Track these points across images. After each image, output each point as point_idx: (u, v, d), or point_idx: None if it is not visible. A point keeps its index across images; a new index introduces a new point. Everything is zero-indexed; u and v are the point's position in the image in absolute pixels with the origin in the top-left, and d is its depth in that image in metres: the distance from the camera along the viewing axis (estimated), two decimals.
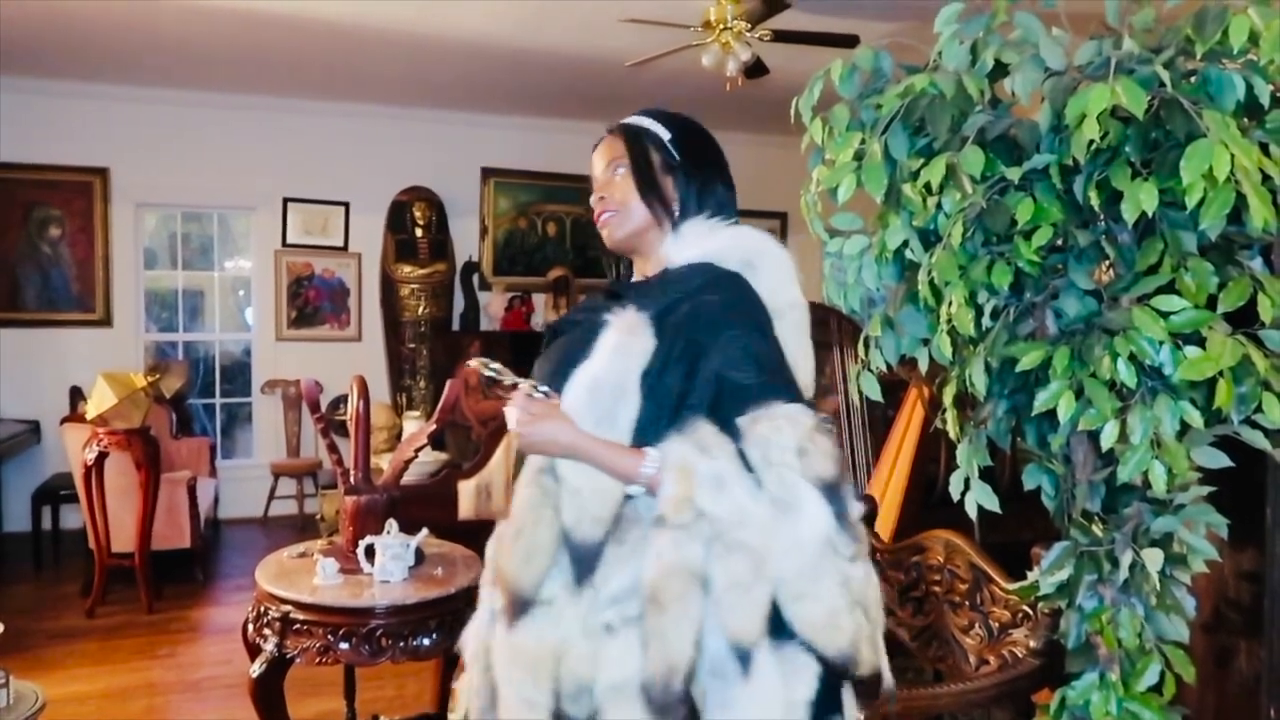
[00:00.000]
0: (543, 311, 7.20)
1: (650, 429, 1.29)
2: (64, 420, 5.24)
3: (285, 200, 6.61)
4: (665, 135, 1.54)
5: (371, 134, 6.59)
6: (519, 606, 1.29)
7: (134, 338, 6.42)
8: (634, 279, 1.55)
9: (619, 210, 1.49)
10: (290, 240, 6.65)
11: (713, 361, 1.30)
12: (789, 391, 1.31)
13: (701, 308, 1.34)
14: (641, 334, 1.32)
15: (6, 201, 6.07)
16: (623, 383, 1.30)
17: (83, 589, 4.81)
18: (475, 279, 7.01)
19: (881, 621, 1.29)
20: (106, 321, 6.31)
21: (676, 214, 1.48)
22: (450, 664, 2.64)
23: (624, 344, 1.32)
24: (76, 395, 5.75)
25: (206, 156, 6.40)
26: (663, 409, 1.30)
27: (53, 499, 5.62)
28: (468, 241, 7.03)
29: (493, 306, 7.01)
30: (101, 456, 4.56)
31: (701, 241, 1.45)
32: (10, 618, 2.93)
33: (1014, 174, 1.29)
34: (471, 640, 1.45)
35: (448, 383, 2.88)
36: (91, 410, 4.53)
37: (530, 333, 7.03)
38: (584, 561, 1.27)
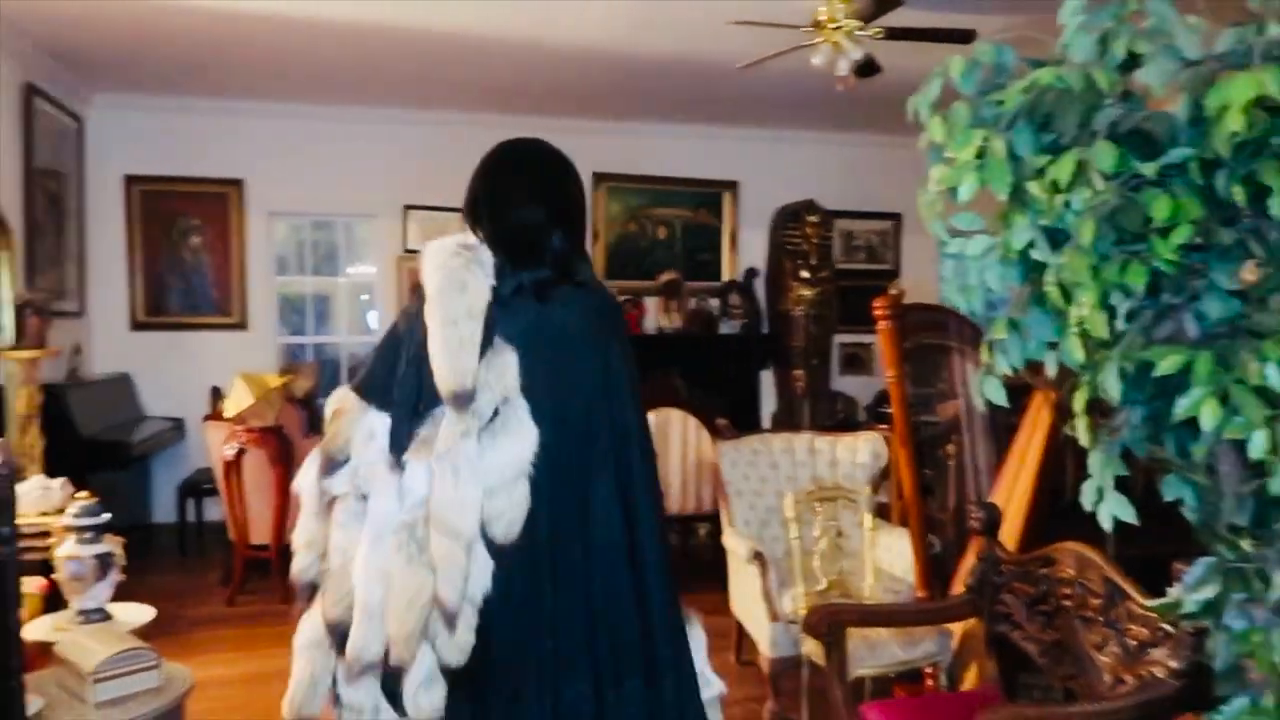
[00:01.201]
0: (654, 315, 7.23)
1: None
2: (205, 418, 5.57)
3: (405, 208, 6.85)
4: None
5: (488, 142, 6.71)
6: None
7: (268, 340, 6.77)
8: None
9: None
10: (410, 246, 6.88)
11: None
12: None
13: None
14: None
15: (152, 213, 6.48)
16: None
17: (223, 578, 5.10)
18: None
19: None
20: (243, 325, 6.66)
21: None
22: None
23: None
24: (216, 395, 6.09)
25: (332, 167, 6.69)
26: None
27: (196, 492, 5.98)
28: None
29: None
30: (240, 453, 4.82)
31: None
32: (159, 603, 3.13)
33: (1149, 169, 1.22)
34: None
35: None
36: (230, 409, 4.80)
37: (641, 336, 7.08)
38: None
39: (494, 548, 1.48)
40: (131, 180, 6.41)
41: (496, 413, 1.49)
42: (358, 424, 1.56)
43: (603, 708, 1.49)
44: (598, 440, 1.56)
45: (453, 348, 1.48)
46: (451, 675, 1.48)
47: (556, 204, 1.67)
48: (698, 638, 1.69)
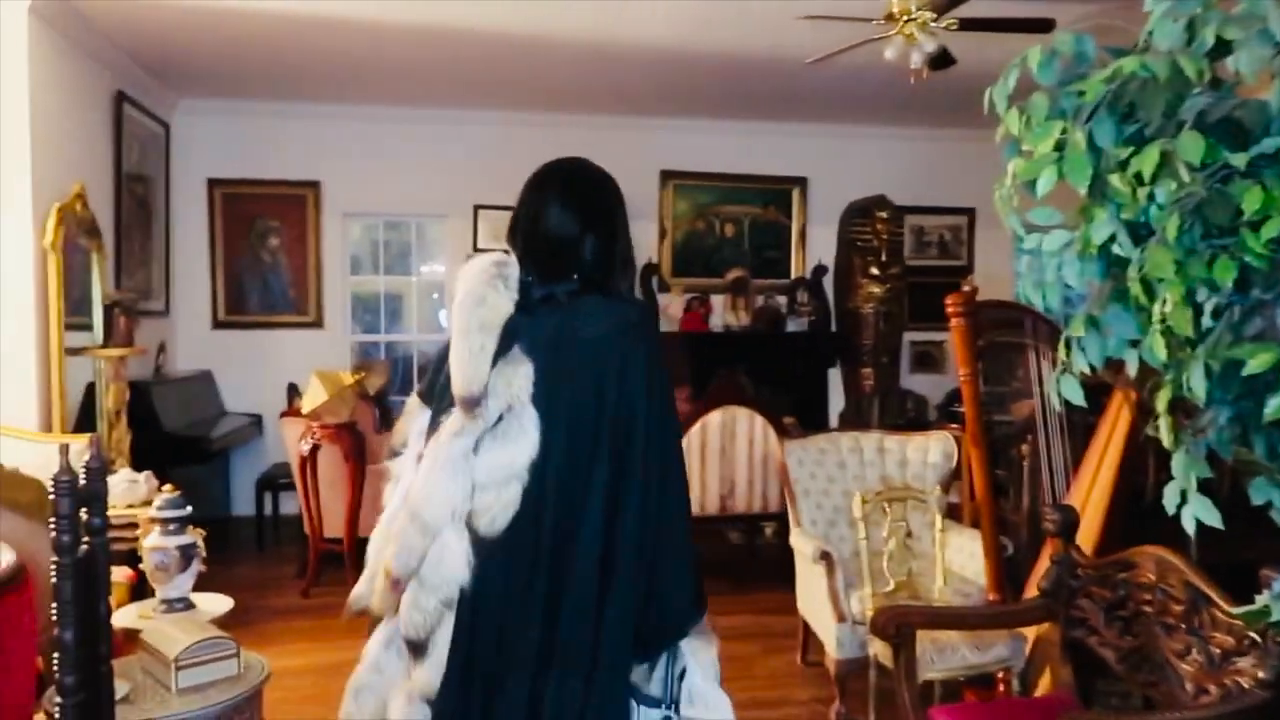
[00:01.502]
0: (721, 312, 7.21)
1: None
2: (282, 414, 5.73)
3: (475, 207, 6.95)
4: None
5: (555, 141, 6.74)
6: None
7: (342, 338, 6.94)
8: None
9: None
10: (480, 245, 6.97)
11: None
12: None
13: None
14: None
15: (233, 215, 6.70)
16: None
17: (299, 570, 5.24)
18: (654, 281, 7.11)
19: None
20: (318, 323, 6.84)
21: None
22: None
23: None
24: (293, 391, 6.26)
25: (405, 168, 6.82)
26: None
27: (273, 486, 6.15)
28: (647, 244, 7.15)
29: (671, 308, 7.09)
30: (315, 448, 4.94)
31: None
32: (238, 593, 3.23)
33: (1239, 160, 1.17)
34: None
35: None
36: (306, 405, 4.92)
37: (708, 333, 7.06)
38: None
39: (477, 540, 1.59)
40: (214, 183, 6.63)
41: (501, 418, 1.59)
42: (414, 422, 1.75)
43: (584, 704, 1.56)
44: (602, 449, 1.60)
45: (464, 356, 1.60)
46: (410, 645, 1.64)
47: (588, 216, 1.72)
48: (707, 659, 1.67)
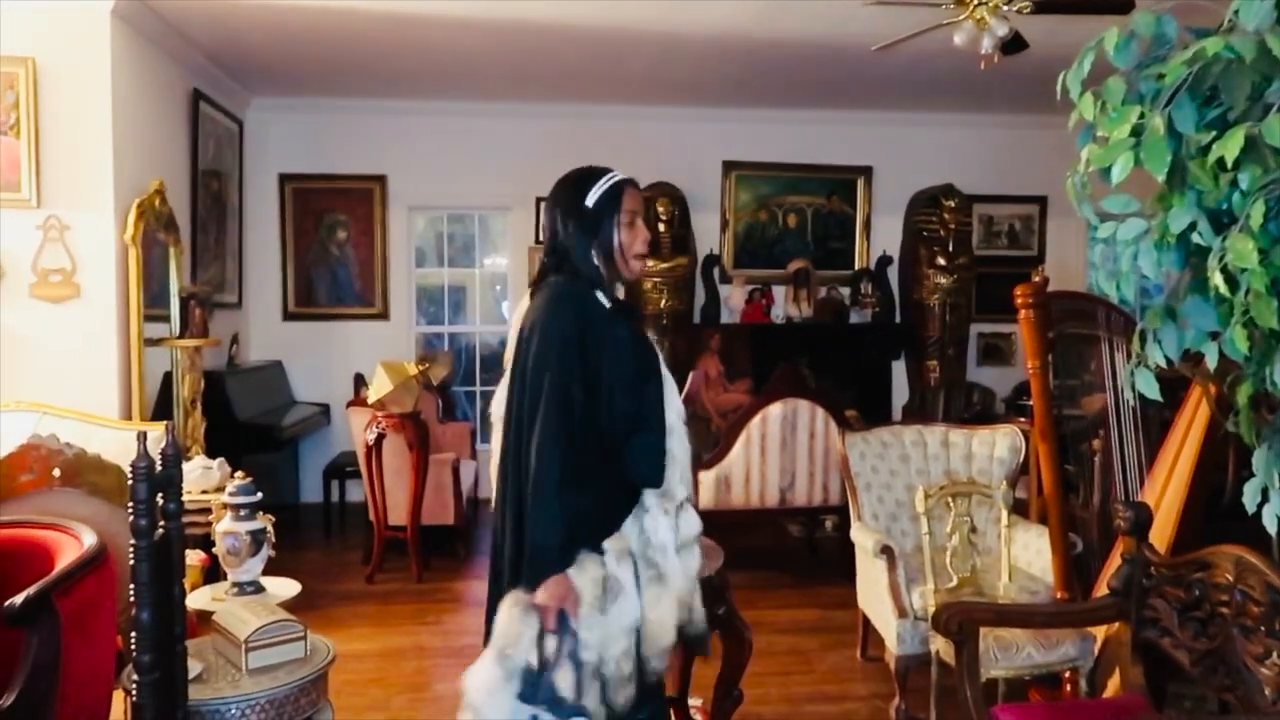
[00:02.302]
0: (783, 304, 7.15)
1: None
2: (349, 404, 5.85)
3: (538, 200, 6.99)
4: None
5: (616, 133, 6.81)
6: None
7: (407, 330, 7.05)
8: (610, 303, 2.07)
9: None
10: (542, 238, 7.02)
11: None
12: None
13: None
14: None
15: (303, 209, 6.85)
16: None
17: (363, 557, 5.35)
18: (716, 272, 7.08)
19: None
20: (384, 315, 6.97)
21: None
22: (690, 650, 2.69)
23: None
24: (359, 381, 6.38)
25: (468, 161, 6.89)
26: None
27: (339, 474, 6.29)
28: (709, 235, 7.12)
29: (733, 299, 7.05)
30: (380, 437, 5.04)
31: None
32: (305, 578, 3.30)
33: None
34: None
35: (689, 375, 2.93)
36: (372, 395, 5.02)
37: (770, 325, 7.01)
38: None
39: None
40: (285, 178, 6.79)
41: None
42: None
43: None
44: (525, 402, 1.99)
45: (510, 336, 2.18)
46: None
47: (557, 208, 2.12)
48: (522, 617, 1.93)
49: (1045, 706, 2.82)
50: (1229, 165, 1.17)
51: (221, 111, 6.07)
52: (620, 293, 2.14)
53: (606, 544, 1.92)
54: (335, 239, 6.93)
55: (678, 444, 2.01)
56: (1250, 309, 1.18)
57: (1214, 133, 1.20)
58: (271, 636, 2.47)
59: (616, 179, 2.12)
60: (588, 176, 2.14)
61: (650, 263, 6.81)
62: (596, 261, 2.07)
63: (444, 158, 6.89)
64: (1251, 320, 1.20)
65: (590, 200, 2.09)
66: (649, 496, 1.97)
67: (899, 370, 7.34)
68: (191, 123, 5.57)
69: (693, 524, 2.02)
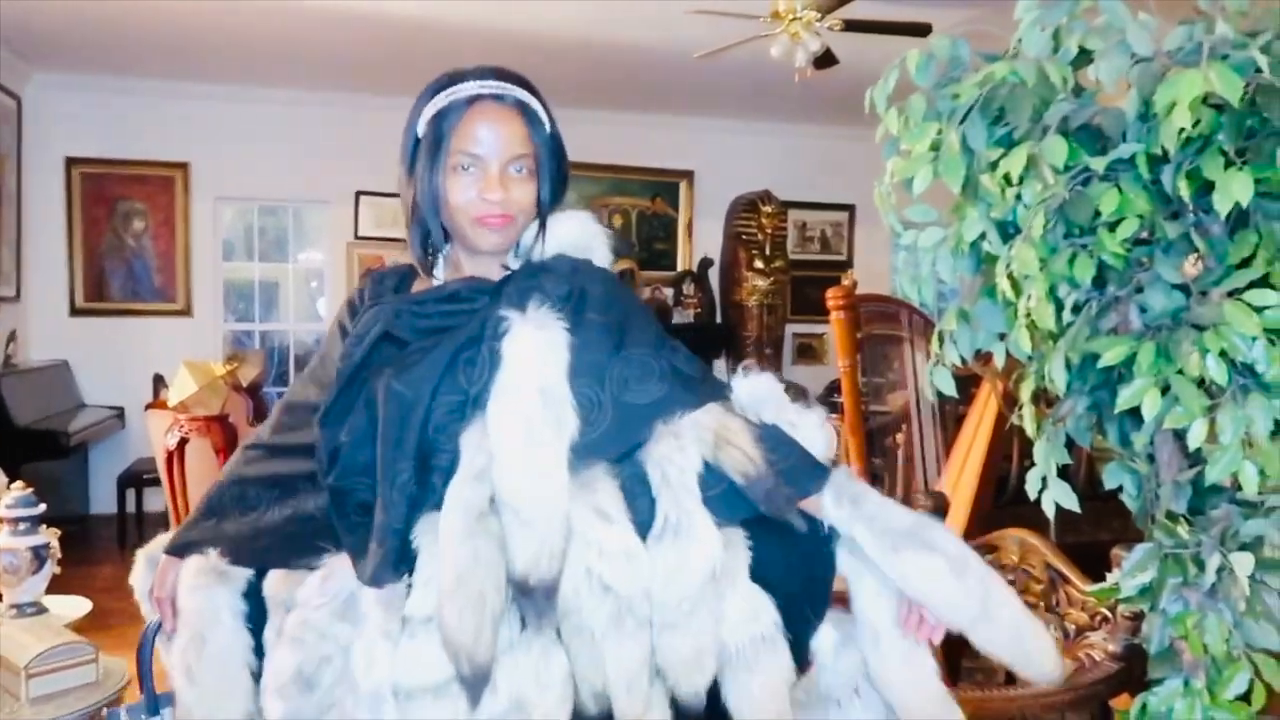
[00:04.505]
0: None
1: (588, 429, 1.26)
2: (147, 407, 5.44)
3: (358, 194, 6.74)
4: (546, 119, 1.43)
5: None
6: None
7: (213, 327, 6.63)
8: (463, 276, 1.42)
9: (519, 214, 1.40)
10: (362, 233, 6.78)
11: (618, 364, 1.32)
12: (694, 392, 1.34)
13: (594, 299, 1.34)
14: (557, 330, 1.27)
15: (94, 196, 6.30)
16: (562, 385, 1.25)
17: None
18: None
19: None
20: (187, 311, 6.52)
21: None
22: None
23: (551, 342, 1.25)
24: (159, 383, 5.95)
25: (282, 152, 6.55)
26: (592, 405, 1.27)
27: (136, 482, 5.84)
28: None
29: None
30: (182, 442, 4.71)
31: (556, 230, 1.43)
32: (97, 596, 3.05)
33: (1098, 164, 1.24)
34: None
35: None
36: (173, 397, 4.69)
37: None
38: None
39: None
40: (72, 162, 6.22)
41: None
42: None
43: None
44: None
45: None
46: None
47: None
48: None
49: None
50: (1014, 180, 1.28)
51: None
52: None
53: None
54: (131, 229, 6.42)
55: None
56: (1032, 312, 1.29)
57: (1001, 150, 1.30)
58: (57, 661, 2.26)
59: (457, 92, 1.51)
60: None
61: None
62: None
63: (255, 146, 6.51)
64: (1033, 322, 1.31)
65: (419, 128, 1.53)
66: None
67: (720, 369, 7.56)
68: None
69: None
